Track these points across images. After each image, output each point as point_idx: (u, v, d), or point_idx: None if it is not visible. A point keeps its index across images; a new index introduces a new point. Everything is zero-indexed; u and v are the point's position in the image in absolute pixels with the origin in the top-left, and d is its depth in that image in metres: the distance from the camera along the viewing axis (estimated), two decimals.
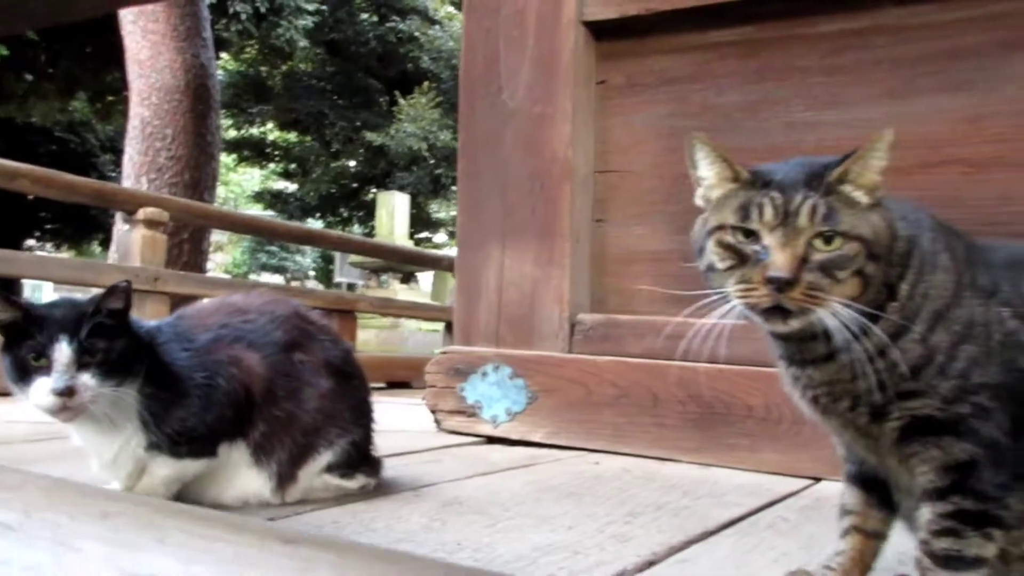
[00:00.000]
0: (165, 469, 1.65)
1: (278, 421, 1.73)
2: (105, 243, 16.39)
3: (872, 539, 1.27)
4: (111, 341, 1.56)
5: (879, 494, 1.26)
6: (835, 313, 1.04)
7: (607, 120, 3.00)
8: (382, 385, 6.17)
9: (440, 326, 10.38)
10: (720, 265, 1.10)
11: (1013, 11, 2.37)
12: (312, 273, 26.88)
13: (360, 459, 1.88)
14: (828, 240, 1.05)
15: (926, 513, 1.11)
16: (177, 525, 0.91)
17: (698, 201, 1.21)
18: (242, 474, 1.73)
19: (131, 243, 5.37)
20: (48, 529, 0.92)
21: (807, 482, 2.33)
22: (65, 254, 19.78)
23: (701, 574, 1.42)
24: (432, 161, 18.76)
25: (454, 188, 18.92)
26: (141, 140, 8.85)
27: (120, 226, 6.63)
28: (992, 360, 1.09)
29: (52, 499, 1.03)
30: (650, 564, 1.45)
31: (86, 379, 1.53)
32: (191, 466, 1.67)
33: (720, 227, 1.11)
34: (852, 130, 2.53)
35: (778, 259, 1.04)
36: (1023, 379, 1.10)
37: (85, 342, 1.53)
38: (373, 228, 17.99)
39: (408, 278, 15.01)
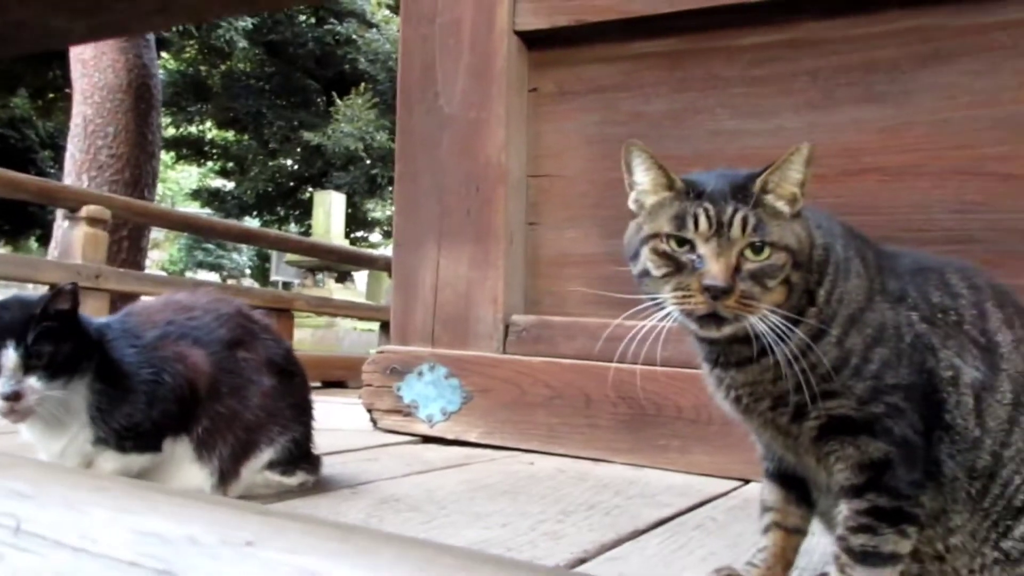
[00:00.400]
0: (111, 463, 1.66)
1: (221, 417, 1.74)
2: (42, 239, 16.09)
3: (793, 535, 1.30)
4: (58, 344, 1.57)
5: (798, 491, 1.29)
6: (764, 319, 1.08)
7: (539, 126, 3.02)
8: (318, 384, 6.13)
9: (375, 325, 10.35)
10: (656, 272, 1.13)
11: (926, 26, 2.44)
12: (248, 271, 26.59)
13: (300, 456, 1.89)
14: (757, 250, 1.09)
15: (843, 510, 1.14)
16: (162, 498, 1.01)
17: (631, 205, 1.23)
18: (185, 469, 1.74)
19: (73, 240, 5.31)
20: (58, 496, 1.01)
21: (736, 483, 2.36)
22: (1, 250, 19.38)
23: (631, 572, 1.43)
24: (368, 161, 18.66)
25: (390, 188, 18.86)
26: (83, 138, 8.74)
27: (61, 223, 6.53)
28: (903, 362, 1.13)
29: (49, 476, 1.12)
30: (581, 561, 1.47)
31: (32, 383, 1.55)
32: (137, 460, 1.68)
33: (655, 235, 1.14)
34: (774, 139, 2.58)
35: (714, 268, 1.08)
36: (932, 380, 1.13)
37: (32, 347, 1.54)
38: (310, 227, 17.83)
39: (344, 277, 14.94)
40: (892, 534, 1.11)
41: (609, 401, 2.64)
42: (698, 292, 1.08)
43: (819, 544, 1.34)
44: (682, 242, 1.11)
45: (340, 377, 6.39)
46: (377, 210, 21.47)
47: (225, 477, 1.76)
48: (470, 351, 2.91)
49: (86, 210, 5.28)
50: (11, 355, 1.53)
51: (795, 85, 2.60)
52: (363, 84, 18.14)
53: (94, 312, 4.84)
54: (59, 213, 7.31)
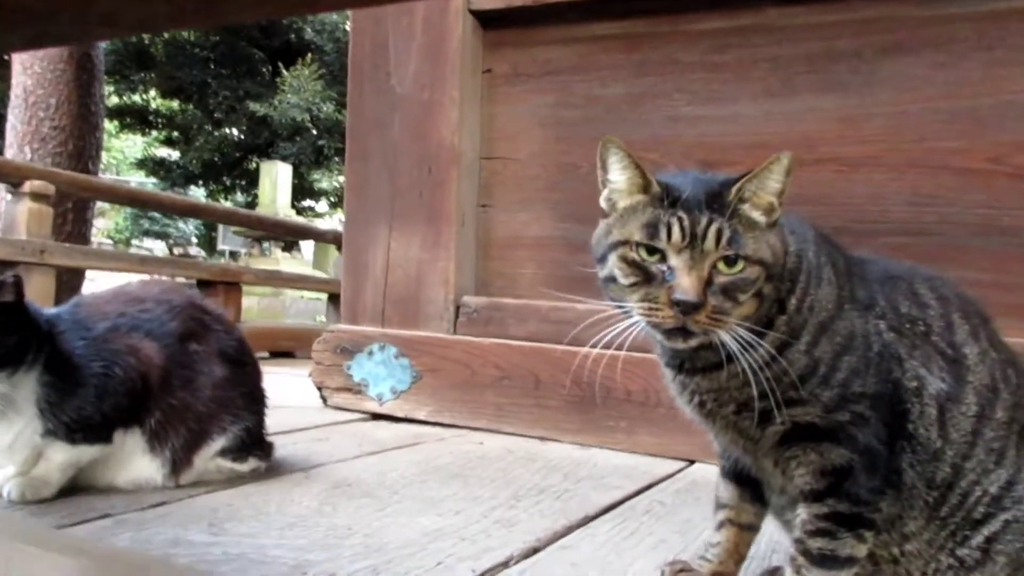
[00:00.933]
0: (61, 455, 1.62)
1: (173, 409, 1.72)
2: None
3: (745, 531, 1.29)
4: (2, 336, 1.53)
5: (752, 490, 1.28)
6: (733, 333, 1.05)
7: (493, 108, 2.99)
8: (266, 355, 6.08)
9: (322, 294, 10.27)
10: (623, 280, 1.09)
11: (887, 16, 2.43)
12: (195, 240, 26.22)
13: (253, 444, 1.87)
14: (731, 263, 1.05)
15: (802, 513, 1.13)
16: None
17: (602, 203, 1.18)
18: (136, 460, 1.71)
19: (16, 216, 5.12)
20: None
21: (682, 464, 2.37)
22: None
23: (583, 560, 1.42)
24: (315, 132, 18.42)
25: (336, 159, 18.65)
26: (24, 109, 8.45)
27: (3, 197, 6.33)
28: (871, 371, 1.11)
29: None
30: (535, 551, 1.46)
31: None
32: (86, 452, 1.64)
33: (625, 242, 1.09)
34: (732, 125, 2.58)
35: (684, 282, 1.04)
36: (897, 389, 1.13)
37: None
38: (256, 197, 17.60)
39: (290, 246, 14.73)
40: (850, 538, 1.10)
41: (559, 383, 2.63)
42: (667, 306, 1.04)
43: (765, 532, 1.34)
44: (652, 251, 1.07)
45: (288, 347, 6.34)
46: (323, 180, 21.25)
47: (177, 466, 1.74)
48: (421, 331, 2.89)
49: (29, 185, 5.11)
50: None
51: (754, 72, 2.58)
52: (309, 55, 17.87)
53: (39, 288, 4.74)
54: (0, 187, 7.12)
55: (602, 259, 1.13)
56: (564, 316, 2.65)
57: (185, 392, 1.73)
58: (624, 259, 1.09)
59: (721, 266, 1.05)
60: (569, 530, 1.62)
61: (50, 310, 1.71)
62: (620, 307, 1.10)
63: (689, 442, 2.37)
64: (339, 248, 8.51)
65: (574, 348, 2.55)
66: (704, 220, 1.06)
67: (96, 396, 1.61)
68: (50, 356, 1.60)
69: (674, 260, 1.06)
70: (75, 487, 1.67)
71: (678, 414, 2.31)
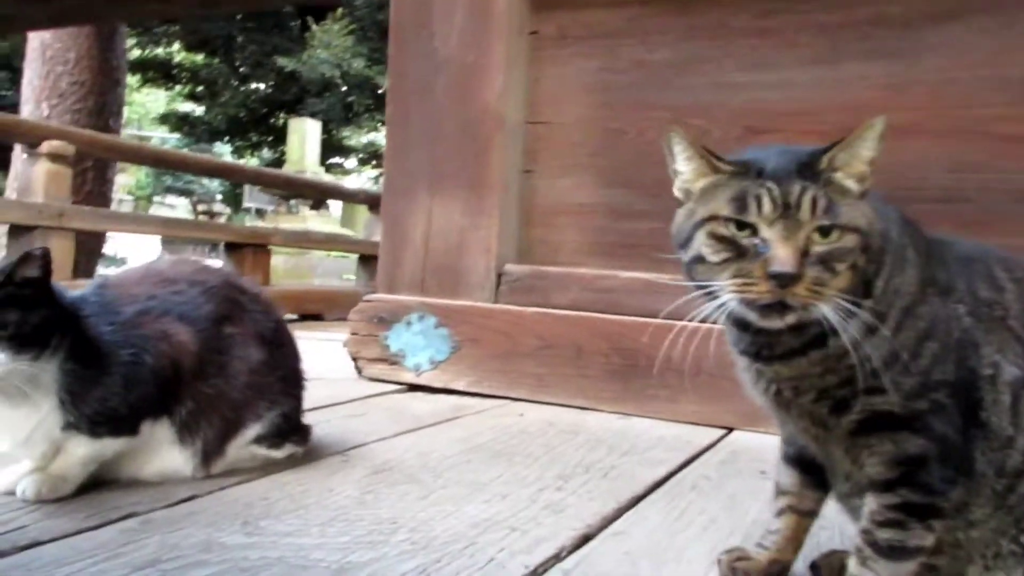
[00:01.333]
0: (82, 449, 1.53)
1: (207, 398, 1.64)
2: (2, 165, 15.66)
3: (806, 518, 1.28)
4: (25, 313, 1.43)
5: (814, 476, 1.26)
6: (836, 308, 1.00)
7: (538, 71, 2.94)
8: (294, 317, 6.09)
9: (346, 252, 10.29)
10: (713, 258, 1.04)
11: None
12: (220, 197, 26.28)
13: (289, 429, 1.81)
14: (825, 233, 1.01)
15: (871, 503, 1.10)
16: None
17: (676, 193, 1.14)
18: (164, 451, 1.63)
19: (33, 177, 5.04)
20: None
21: (721, 432, 2.38)
22: None
23: (635, 547, 1.41)
24: (344, 88, 18.40)
25: (366, 115, 18.64)
26: (41, 64, 8.23)
27: (20, 156, 6.21)
28: (950, 357, 1.08)
29: None
30: (586, 539, 1.44)
31: None
32: (110, 445, 1.56)
33: (713, 218, 1.05)
34: (779, 92, 2.55)
35: (781, 254, 0.99)
36: (973, 376, 1.10)
37: None
38: (283, 154, 17.64)
39: (319, 204, 14.74)
40: (920, 528, 1.08)
41: (600, 352, 2.62)
42: (762, 280, 1.00)
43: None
44: (743, 225, 1.03)
45: (316, 310, 6.35)
46: (353, 137, 21.25)
47: (208, 457, 1.67)
48: (461, 301, 2.87)
49: (47, 146, 5.01)
50: None
51: (802, 38, 2.55)
52: (340, 9, 17.79)
53: (58, 253, 4.69)
54: (17, 146, 7.04)
55: (686, 242, 1.08)
56: (607, 284, 2.64)
57: (220, 379, 1.66)
58: (713, 235, 1.05)
59: (816, 236, 1.01)
60: (619, 513, 1.60)
61: (74, 292, 1.62)
62: (708, 289, 1.05)
63: (729, 410, 2.40)
64: (370, 208, 8.51)
65: (616, 317, 2.54)
66: (797, 189, 1.02)
67: (123, 386, 1.52)
68: (74, 342, 1.50)
69: (767, 232, 1.01)
70: (96, 481, 1.58)
71: (718, 382, 2.35)
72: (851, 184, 1.07)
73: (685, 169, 1.13)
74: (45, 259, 1.47)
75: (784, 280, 0.99)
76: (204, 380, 1.64)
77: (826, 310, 1.00)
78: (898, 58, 2.43)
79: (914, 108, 2.39)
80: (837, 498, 1.26)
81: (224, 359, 1.67)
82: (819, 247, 1.01)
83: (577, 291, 2.70)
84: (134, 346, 1.54)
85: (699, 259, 1.06)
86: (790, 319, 1.02)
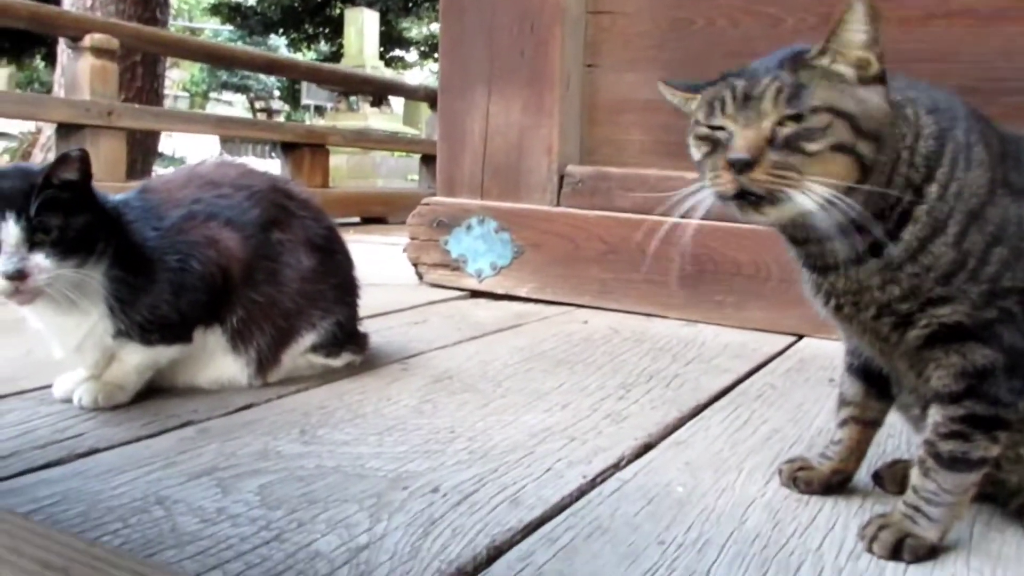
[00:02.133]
0: (136, 357, 1.58)
1: (258, 306, 1.67)
2: (48, 58, 15.61)
3: (869, 428, 1.30)
4: (68, 217, 1.44)
5: (879, 387, 1.28)
6: (810, 192, 1.01)
7: None
8: (356, 220, 6.16)
9: (406, 152, 10.30)
10: (696, 156, 1.10)
11: None
12: (277, 93, 26.32)
13: (345, 337, 1.85)
14: (799, 119, 1.02)
15: (935, 415, 1.12)
16: None
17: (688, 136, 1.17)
18: (219, 359, 1.68)
19: (78, 73, 5.00)
20: None
21: (790, 339, 2.40)
22: (4, 69, 19.04)
23: (696, 457, 1.44)
24: None
25: (426, 4, 18.42)
26: None
27: (65, 51, 6.15)
28: (1021, 262, 1.08)
29: None
30: (646, 448, 1.48)
31: (40, 260, 1.41)
32: (163, 353, 1.61)
33: (695, 123, 1.11)
34: None
35: (737, 141, 1.03)
36: None
37: (35, 219, 1.40)
38: (341, 47, 17.55)
39: (379, 101, 14.69)
40: (984, 440, 1.09)
41: (666, 256, 2.62)
42: (724, 170, 1.03)
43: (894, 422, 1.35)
44: (716, 127, 1.07)
45: (379, 213, 6.39)
46: (413, 29, 21.07)
47: (263, 365, 1.71)
48: (522, 204, 2.89)
49: (90, 39, 4.96)
50: (11, 229, 1.39)
51: None
52: None
53: (108, 153, 4.71)
54: (62, 40, 6.97)
55: (688, 148, 1.14)
56: (674, 185, 2.59)
57: (270, 286, 1.68)
58: (694, 135, 1.10)
59: (789, 124, 1.02)
60: (681, 422, 1.63)
61: (116, 197, 1.64)
62: (700, 187, 1.09)
63: (799, 316, 2.40)
64: (431, 106, 8.47)
65: (682, 219, 2.53)
66: (764, 81, 1.04)
67: (172, 293, 1.56)
68: (119, 248, 1.53)
69: (731, 125, 1.05)
70: (153, 389, 1.64)
71: (789, 288, 2.36)
72: (844, 69, 1.06)
73: (676, 101, 1.20)
74: (83, 161, 1.47)
75: (739, 166, 1.01)
76: (254, 287, 1.66)
77: (798, 198, 1.01)
78: None
79: None
80: (900, 409, 1.28)
81: (274, 266, 1.69)
82: (786, 130, 1.02)
83: (642, 193, 2.70)
84: (180, 252, 1.57)
85: (695, 160, 1.12)
86: (771, 212, 1.04)
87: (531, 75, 2.88)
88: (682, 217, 1.12)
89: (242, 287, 1.65)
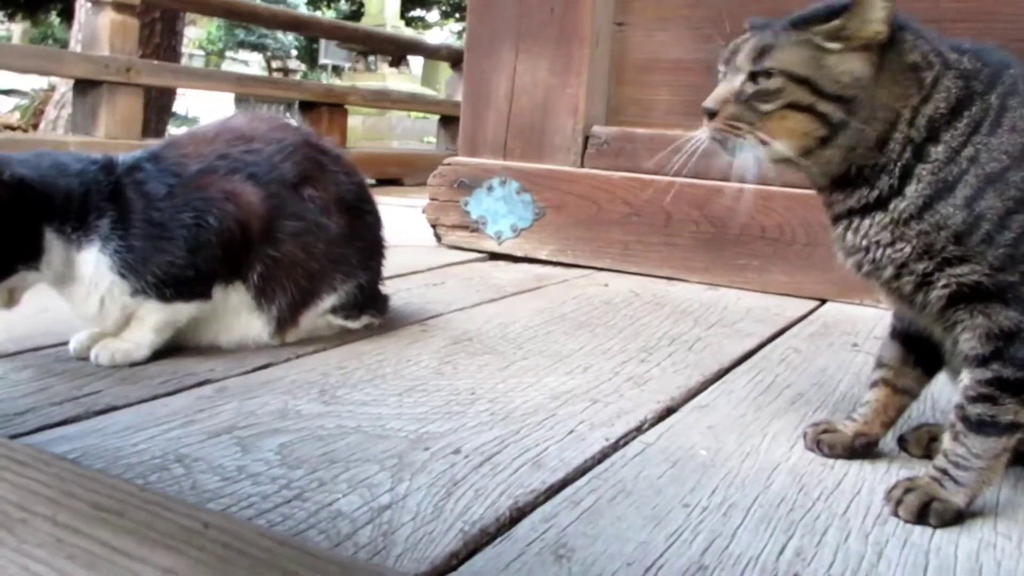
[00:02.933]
0: (155, 314, 1.58)
1: (279, 264, 1.65)
2: (64, 14, 15.49)
3: (900, 394, 1.30)
4: None
5: (919, 353, 1.28)
6: (757, 143, 1.15)
7: None
8: (372, 181, 6.15)
9: (426, 113, 10.25)
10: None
11: None
12: (295, 52, 26.25)
13: (366, 300, 1.84)
14: (768, 76, 1.14)
15: (965, 378, 1.13)
16: None
17: None
18: (242, 317, 1.67)
19: (98, 28, 4.97)
20: None
21: (813, 304, 2.41)
22: (18, 25, 18.97)
23: (719, 421, 1.45)
24: None
25: None
26: None
27: (84, 6, 6.11)
28: None
29: None
30: (669, 412, 1.48)
31: None
32: (182, 310, 1.60)
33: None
34: None
35: (712, 94, 1.19)
36: None
37: None
38: (362, 5, 17.50)
39: (398, 61, 14.67)
40: (1013, 404, 1.10)
41: (690, 219, 2.62)
42: (703, 116, 1.19)
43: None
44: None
45: (395, 175, 6.38)
46: None
47: (283, 325, 1.70)
48: (545, 164, 2.88)
49: None
50: None
51: None
52: None
53: (126, 110, 4.67)
54: None
55: None
56: (702, 148, 2.60)
57: (294, 246, 1.66)
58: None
59: (760, 79, 1.14)
60: (704, 386, 1.64)
61: (130, 155, 1.62)
62: None
63: (823, 279, 2.42)
64: (453, 66, 8.44)
65: (709, 183, 2.52)
66: (750, 41, 1.17)
67: (188, 249, 1.54)
68: (121, 217, 1.52)
69: (720, 77, 1.21)
70: (173, 348, 1.64)
71: (813, 252, 2.35)
72: (822, 41, 1.14)
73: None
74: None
75: (706, 114, 1.19)
76: (276, 245, 1.64)
77: (744, 145, 1.15)
78: None
79: None
80: (949, 375, 1.28)
81: (301, 224, 1.67)
82: (748, 89, 1.15)
83: (669, 155, 2.68)
84: (195, 209, 1.56)
85: None
86: (726, 156, 1.19)
87: (560, 33, 2.86)
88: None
89: (264, 243, 1.63)
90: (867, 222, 1.16)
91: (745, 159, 1.16)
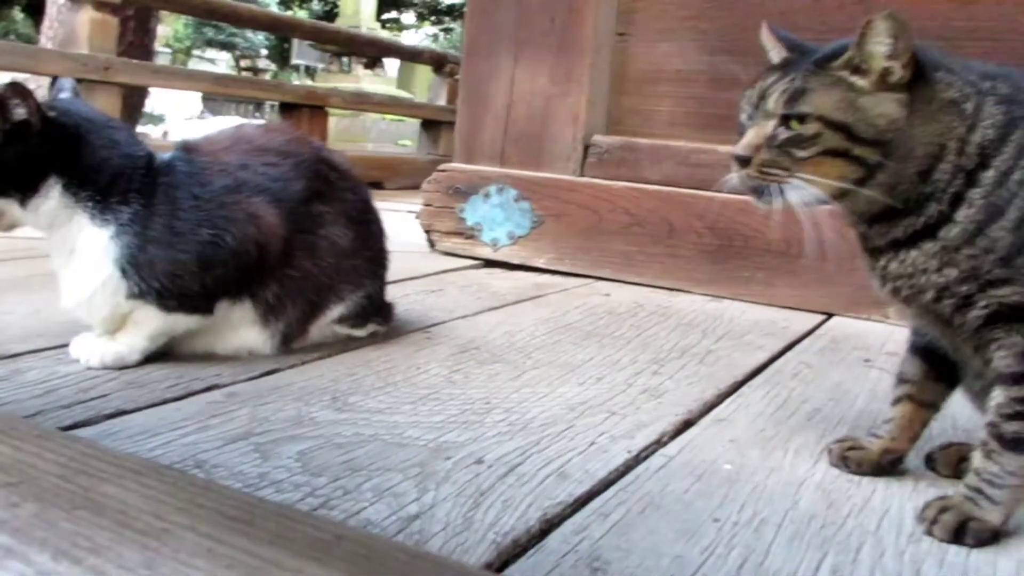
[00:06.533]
0: (152, 322, 1.58)
1: (293, 281, 1.67)
2: (30, 11, 15.39)
3: (924, 409, 1.32)
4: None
5: (940, 367, 1.30)
6: (795, 189, 1.15)
7: None
8: None
9: (407, 116, 10.21)
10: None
11: None
12: (264, 52, 26.16)
13: (373, 310, 1.87)
14: (802, 121, 1.14)
15: (998, 397, 1.15)
16: None
17: None
18: (242, 331, 1.68)
19: (77, 26, 4.96)
20: None
21: (819, 318, 2.43)
22: None
23: (740, 435, 1.46)
24: None
25: None
26: None
27: (56, 2, 6.05)
28: None
29: None
30: (687, 425, 1.50)
31: None
32: (181, 321, 1.60)
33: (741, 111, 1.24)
34: None
35: (742, 140, 1.19)
36: None
37: None
38: (335, 6, 17.50)
39: (373, 63, 14.65)
40: None
41: (693, 230, 2.65)
42: (734, 162, 1.19)
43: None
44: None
45: (376, 178, 6.37)
46: None
47: (289, 337, 1.72)
48: (544, 172, 2.90)
49: None
50: None
51: None
52: None
53: (103, 108, 4.58)
54: None
55: None
56: (703, 159, 2.64)
57: (307, 261, 1.68)
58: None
59: (793, 124, 1.15)
60: (720, 399, 1.66)
61: (163, 155, 1.62)
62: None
63: (828, 294, 2.45)
64: (436, 70, 8.44)
65: (712, 194, 2.54)
66: (780, 84, 1.18)
67: (200, 266, 1.54)
68: (141, 212, 1.53)
69: (747, 122, 1.21)
70: (168, 353, 1.64)
71: (821, 266, 2.36)
72: (858, 79, 1.15)
73: (769, 47, 1.31)
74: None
75: (739, 162, 1.18)
76: (291, 263, 1.66)
77: (787, 191, 1.16)
78: None
79: None
80: (966, 392, 1.30)
81: (312, 240, 1.70)
82: (782, 134, 1.15)
83: (671, 165, 2.71)
84: (217, 227, 1.56)
85: None
86: (764, 204, 1.19)
87: (560, 43, 2.88)
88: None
89: (279, 263, 1.65)
90: (914, 252, 1.17)
91: (792, 203, 1.16)
